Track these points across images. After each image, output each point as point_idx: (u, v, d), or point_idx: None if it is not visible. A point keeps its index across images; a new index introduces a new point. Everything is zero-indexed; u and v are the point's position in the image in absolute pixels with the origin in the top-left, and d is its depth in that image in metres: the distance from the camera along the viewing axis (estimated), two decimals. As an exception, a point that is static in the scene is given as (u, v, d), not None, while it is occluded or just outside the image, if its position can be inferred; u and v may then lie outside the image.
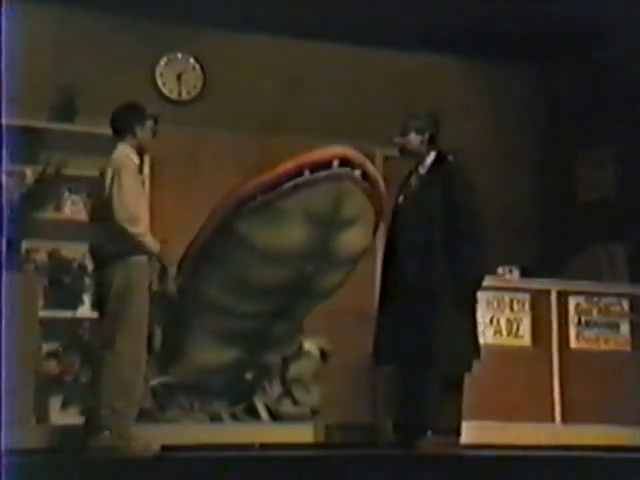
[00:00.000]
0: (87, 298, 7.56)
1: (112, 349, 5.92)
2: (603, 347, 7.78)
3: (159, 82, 8.63)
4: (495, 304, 7.59)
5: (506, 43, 8.78)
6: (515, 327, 7.62)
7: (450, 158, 6.51)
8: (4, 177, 6.62)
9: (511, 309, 7.64)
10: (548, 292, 7.71)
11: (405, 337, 6.22)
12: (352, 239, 6.66)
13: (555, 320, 7.69)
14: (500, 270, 7.71)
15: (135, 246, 5.97)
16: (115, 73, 8.27)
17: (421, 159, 6.48)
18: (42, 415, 7.12)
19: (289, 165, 6.44)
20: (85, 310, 7.59)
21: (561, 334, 7.69)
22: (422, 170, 6.48)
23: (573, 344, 7.73)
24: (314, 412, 7.25)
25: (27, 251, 7.35)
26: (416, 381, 6.27)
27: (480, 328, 6.65)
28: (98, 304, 6.18)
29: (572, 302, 7.78)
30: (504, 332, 7.59)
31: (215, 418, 7.13)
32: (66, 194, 7.82)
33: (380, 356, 6.41)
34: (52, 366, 7.44)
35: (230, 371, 7.14)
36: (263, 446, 6.56)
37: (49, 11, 8.20)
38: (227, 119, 8.54)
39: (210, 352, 7.02)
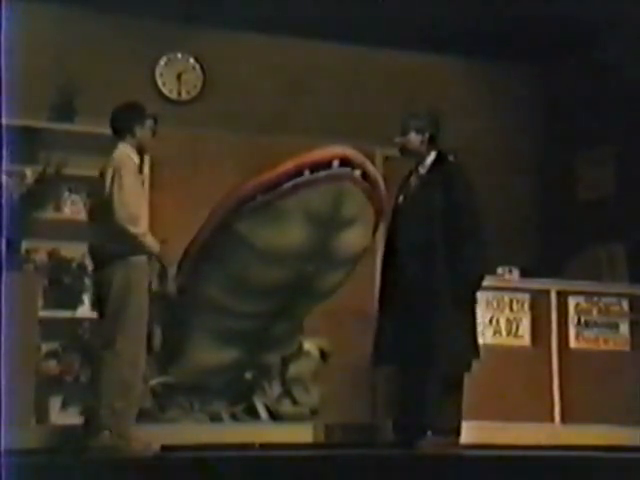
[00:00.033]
0: (87, 298, 7.56)
1: (112, 349, 5.92)
2: (603, 347, 7.78)
3: (159, 82, 8.63)
4: (495, 304, 7.59)
5: (506, 43, 8.78)
6: (515, 327, 7.62)
7: (450, 158, 6.51)
8: (4, 177, 6.62)
9: (511, 309, 7.64)
10: (548, 292, 7.71)
11: (405, 337, 6.22)
12: (352, 239, 6.66)
13: (555, 320, 7.69)
14: (500, 270, 7.71)
15: (135, 246, 5.96)
16: (115, 73, 8.27)
17: (421, 159, 6.48)
18: (42, 415, 7.11)
19: (289, 165, 6.44)
20: (85, 310, 7.59)
21: (561, 334, 7.69)
22: (422, 170, 6.48)
23: (573, 344, 7.73)
24: (314, 412, 7.25)
25: (27, 251, 7.34)
26: (416, 381, 6.27)
27: (480, 328, 6.66)
28: (98, 304, 6.18)
29: (572, 302, 7.78)
30: (504, 332, 7.59)
31: (215, 418, 7.13)
32: (66, 194, 7.82)
33: (380, 356, 6.41)
34: (52, 366, 7.44)
35: (230, 371, 7.14)
36: (263, 446, 6.56)
37: (49, 11, 8.21)
38: (227, 119, 8.54)
39: (210, 352, 7.02)
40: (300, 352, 7.34)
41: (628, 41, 8.44)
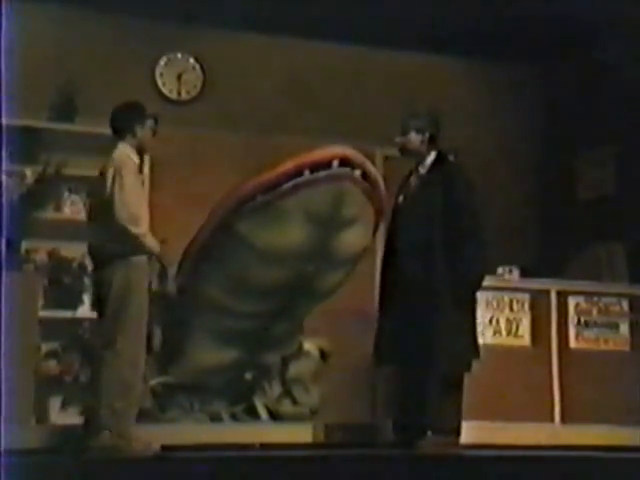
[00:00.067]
0: (87, 298, 7.55)
1: (112, 349, 5.92)
2: (602, 347, 7.78)
3: (159, 82, 8.63)
4: (495, 304, 7.59)
5: (506, 43, 8.78)
6: (515, 327, 7.62)
7: (450, 158, 6.51)
8: (4, 177, 6.62)
9: (511, 309, 7.64)
10: (548, 292, 7.71)
11: (405, 337, 6.22)
12: (352, 239, 6.66)
13: (555, 320, 7.69)
14: (500, 270, 7.71)
15: (135, 246, 5.96)
16: (115, 73, 8.27)
17: (421, 159, 6.48)
18: (42, 415, 7.11)
19: (289, 165, 6.44)
20: (85, 310, 7.59)
21: (560, 334, 7.68)
22: (422, 170, 6.47)
23: (572, 344, 7.73)
24: (314, 412, 7.26)
25: (27, 251, 7.34)
26: (416, 381, 6.27)
27: (480, 328, 6.66)
28: (98, 304, 6.17)
29: (572, 302, 7.78)
30: (504, 332, 7.59)
31: (215, 418, 7.13)
32: (66, 194, 7.82)
33: (380, 356, 6.41)
34: (52, 366, 7.43)
35: (230, 371, 7.14)
36: (263, 446, 6.56)
37: (49, 11, 8.21)
38: (227, 119, 8.55)
39: (210, 352, 7.02)
40: (300, 352, 7.34)
41: (628, 41, 8.44)
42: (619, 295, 7.90)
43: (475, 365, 6.30)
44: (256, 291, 6.79)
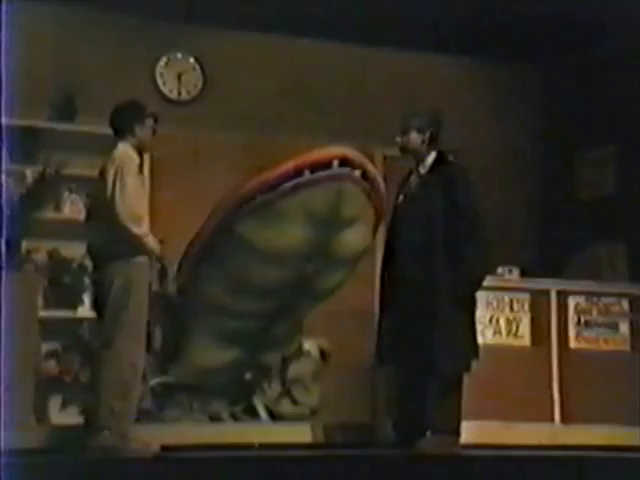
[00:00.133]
0: (87, 298, 7.54)
1: (112, 349, 5.92)
2: (603, 347, 7.77)
3: (159, 82, 8.63)
4: (495, 304, 7.59)
5: (506, 43, 8.78)
6: (515, 327, 7.62)
7: (451, 158, 6.50)
8: (4, 177, 6.62)
9: (511, 309, 7.64)
10: (548, 292, 7.71)
11: (405, 337, 6.22)
12: (352, 239, 6.66)
13: (555, 320, 7.68)
14: (500, 270, 7.71)
15: (135, 246, 5.96)
16: (115, 73, 8.27)
17: (422, 158, 6.47)
18: (42, 415, 7.10)
19: (289, 165, 6.44)
20: (85, 310, 7.58)
21: (560, 334, 7.68)
22: (422, 170, 6.47)
23: (573, 344, 7.72)
24: (313, 412, 7.26)
25: (27, 251, 7.33)
26: (416, 381, 6.28)
27: (480, 328, 6.66)
28: (98, 304, 6.17)
29: (572, 302, 7.77)
30: (503, 332, 7.59)
31: (215, 418, 7.13)
32: (66, 194, 7.81)
33: (380, 356, 6.42)
34: (52, 366, 7.43)
35: (230, 371, 7.14)
36: (263, 446, 6.56)
37: (49, 11, 8.21)
38: (227, 119, 8.54)
39: (210, 352, 7.02)
40: (300, 352, 7.34)
41: (628, 40, 8.44)
42: (619, 295, 7.89)
43: (475, 365, 6.30)
44: (256, 291, 6.78)
